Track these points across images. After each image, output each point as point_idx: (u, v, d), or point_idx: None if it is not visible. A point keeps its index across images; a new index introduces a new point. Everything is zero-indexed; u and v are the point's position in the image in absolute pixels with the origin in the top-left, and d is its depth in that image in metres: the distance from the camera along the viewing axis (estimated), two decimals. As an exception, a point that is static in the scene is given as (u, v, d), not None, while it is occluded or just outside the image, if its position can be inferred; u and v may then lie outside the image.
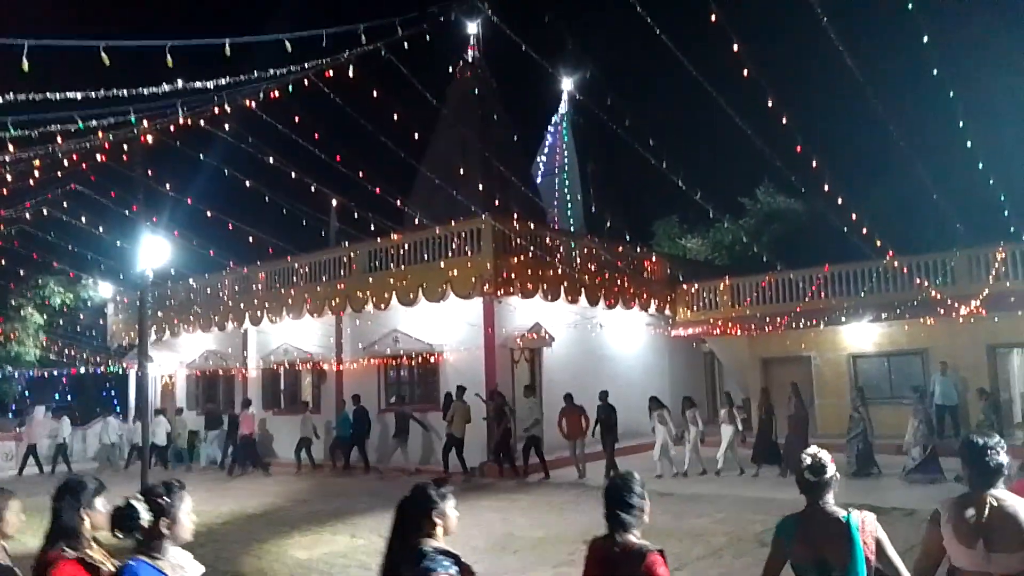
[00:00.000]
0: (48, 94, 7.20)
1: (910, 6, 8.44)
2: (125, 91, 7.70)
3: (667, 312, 21.29)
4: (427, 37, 9.90)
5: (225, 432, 19.34)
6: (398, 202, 14.98)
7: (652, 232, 34.95)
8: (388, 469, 16.88)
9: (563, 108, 29.28)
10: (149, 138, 10.20)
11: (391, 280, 17.43)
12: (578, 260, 18.36)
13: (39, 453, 20.16)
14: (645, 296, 20.24)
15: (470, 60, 24.66)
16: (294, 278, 20.00)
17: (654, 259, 21.96)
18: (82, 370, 26.97)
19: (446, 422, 15.75)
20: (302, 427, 18.16)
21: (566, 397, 15.12)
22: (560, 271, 17.37)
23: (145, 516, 2.89)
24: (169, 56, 6.90)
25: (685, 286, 21.41)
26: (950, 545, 3.20)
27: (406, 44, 9.61)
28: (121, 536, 2.93)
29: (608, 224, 22.20)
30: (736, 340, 20.30)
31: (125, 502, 2.92)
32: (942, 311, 16.28)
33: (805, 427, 14.56)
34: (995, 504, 3.14)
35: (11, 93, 6.89)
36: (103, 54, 6.39)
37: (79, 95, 7.41)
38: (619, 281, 19.28)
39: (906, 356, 18.15)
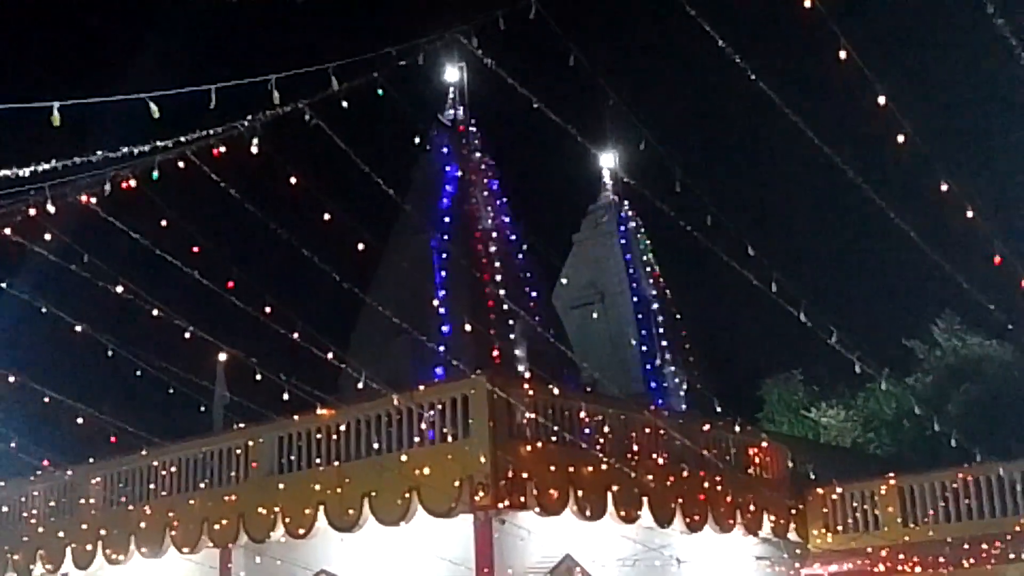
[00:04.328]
0: None
1: None
2: None
3: (792, 535, 21.02)
4: (379, 91, 10.28)
5: None
6: (330, 356, 15.09)
7: (760, 399, 35.07)
8: None
9: (602, 198, 29.96)
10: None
11: (316, 487, 17.37)
12: (635, 447, 18.29)
13: None
14: (753, 508, 20.06)
15: (449, 123, 25.53)
16: (152, 486, 19.91)
17: (766, 444, 21.86)
18: None
19: None
20: None
21: None
22: (605, 466, 17.28)
23: None
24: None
25: (821, 490, 21.36)
26: None
27: (345, 102, 9.98)
28: None
29: (684, 386, 22.21)
30: (915, 584, 19.88)
31: None
32: None
33: None
34: None
35: None
36: None
37: None
38: (707, 483, 19.14)
39: None
